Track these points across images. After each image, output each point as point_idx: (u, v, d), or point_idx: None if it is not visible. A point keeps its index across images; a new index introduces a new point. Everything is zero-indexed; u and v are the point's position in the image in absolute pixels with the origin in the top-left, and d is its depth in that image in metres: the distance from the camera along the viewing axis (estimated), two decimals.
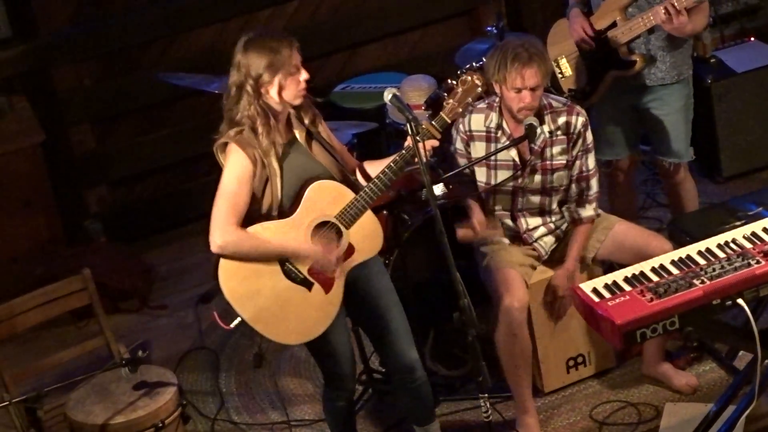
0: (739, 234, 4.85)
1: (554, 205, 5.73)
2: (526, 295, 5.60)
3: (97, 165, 7.65)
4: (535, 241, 5.75)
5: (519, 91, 5.46)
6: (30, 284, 6.27)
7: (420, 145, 4.95)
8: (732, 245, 4.79)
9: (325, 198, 4.97)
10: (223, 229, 4.89)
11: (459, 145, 5.69)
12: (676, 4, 5.76)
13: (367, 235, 5.04)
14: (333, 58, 7.95)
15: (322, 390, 5.47)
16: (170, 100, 7.67)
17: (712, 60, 7.35)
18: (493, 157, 5.63)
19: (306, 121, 5.04)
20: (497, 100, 5.63)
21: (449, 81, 6.20)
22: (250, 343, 6.62)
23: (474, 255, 5.80)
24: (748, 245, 4.78)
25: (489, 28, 7.08)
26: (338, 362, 5.21)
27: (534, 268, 5.77)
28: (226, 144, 4.96)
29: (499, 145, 5.60)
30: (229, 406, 6.28)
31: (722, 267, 4.65)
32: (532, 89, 5.46)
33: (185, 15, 7.63)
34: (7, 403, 5.11)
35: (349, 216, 4.97)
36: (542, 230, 5.75)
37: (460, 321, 4.85)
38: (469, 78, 5.07)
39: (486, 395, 4.96)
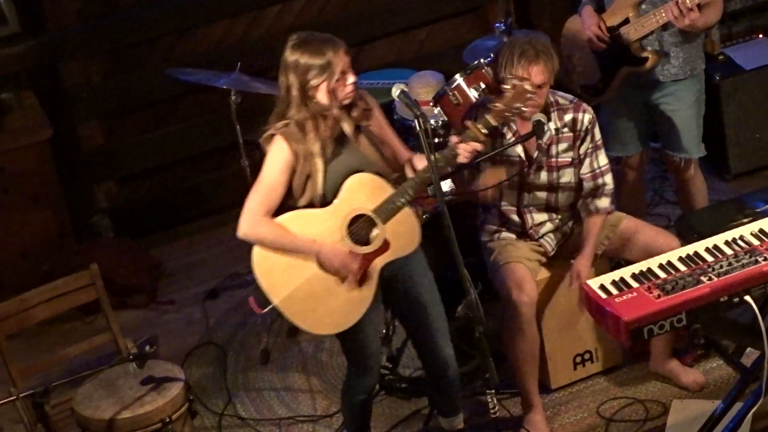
0: (746, 231, 4.85)
1: (560, 202, 5.72)
2: (535, 289, 5.60)
3: (105, 161, 7.66)
4: (542, 237, 5.75)
5: None
6: (38, 279, 6.28)
7: (464, 145, 4.99)
8: (740, 242, 4.79)
9: (364, 191, 4.98)
10: (251, 218, 4.97)
11: None
12: (688, 2, 5.75)
13: (403, 232, 5.03)
14: None
15: (344, 381, 5.49)
16: (178, 96, 7.67)
17: (721, 57, 7.34)
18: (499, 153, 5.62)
19: (354, 114, 5.02)
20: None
21: (457, 76, 6.23)
22: (257, 339, 6.63)
23: (481, 251, 5.80)
24: (755, 242, 4.77)
25: (497, 25, 7.08)
26: (367, 355, 5.22)
27: (541, 264, 5.77)
28: (272, 135, 5.00)
29: (505, 141, 5.60)
30: (237, 402, 6.28)
31: (730, 264, 4.65)
32: (539, 86, 5.45)
33: (193, 11, 7.63)
34: (15, 397, 5.11)
35: (387, 211, 4.97)
36: (549, 226, 5.75)
37: (464, 315, 4.85)
38: (520, 83, 5.07)
39: (493, 391, 4.96)
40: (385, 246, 5.03)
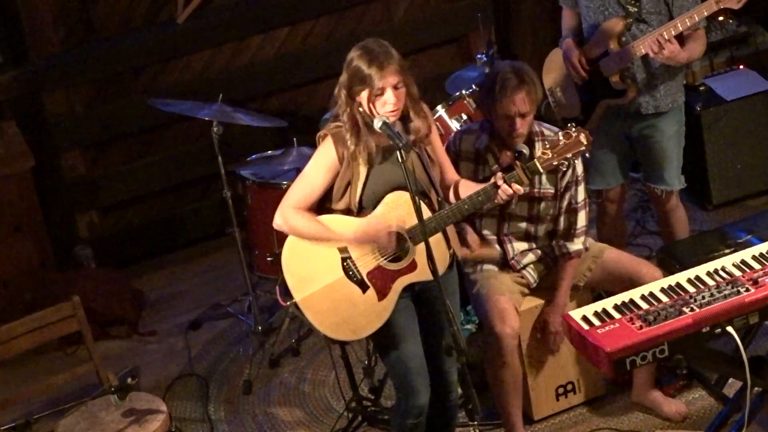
0: (728, 262, 4.85)
1: (540, 233, 5.72)
2: (518, 321, 5.59)
3: (88, 190, 7.64)
4: (524, 267, 5.75)
5: (509, 116, 5.47)
6: (19, 310, 6.27)
7: (506, 187, 5.00)
8: (721, 273, 4.79)
9: (402, 209, 5.00)
10: (287, 211, 5.03)
11: None
12: (665, 33, 5.77)
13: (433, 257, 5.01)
14: (324, 84, 7.94)
15: (393, 405, 5.43)
16: (161, 126, 7.67)
17: (702, 88, 7.37)
18: (481, 181, 5.62)
19: (410, 136, 5.04)
20: (489, 123, 5.63)
21: (439, 107, 6.22)
22: (240, 370, 6.62)
23: (464, 283, 5.80)
24: (737, 273, 4.78)
25: (479, 56, 7.10)
26: (409, 372, 5.16)
27: (524, 295, 5.77)
28: (325, 135, 5.05)
29: (487, 168, 5.60)
30: None
31: (712, 295, 4.65)
32: (522, 115, 5.46)
33: (177, 41, 7.64)
34: None
35: (421, 234, 4.94)
36: (530, 256, 5.75)
37: (450, 349, 4.85)
38: (575, 134, 5.07)
39: (476, 423, 4.95)
40: (412, 266, 5.06)
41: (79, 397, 5.52)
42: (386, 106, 4.93)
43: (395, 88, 4.94)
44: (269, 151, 6.95)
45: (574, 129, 5.12)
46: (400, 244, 5.04)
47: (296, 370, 6.60)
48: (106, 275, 7.41)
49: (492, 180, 5.05)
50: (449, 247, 5.14)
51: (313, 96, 7.98)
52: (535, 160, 5.06)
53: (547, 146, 5.09)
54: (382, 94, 4.92)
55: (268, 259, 6.46)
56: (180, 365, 6.82)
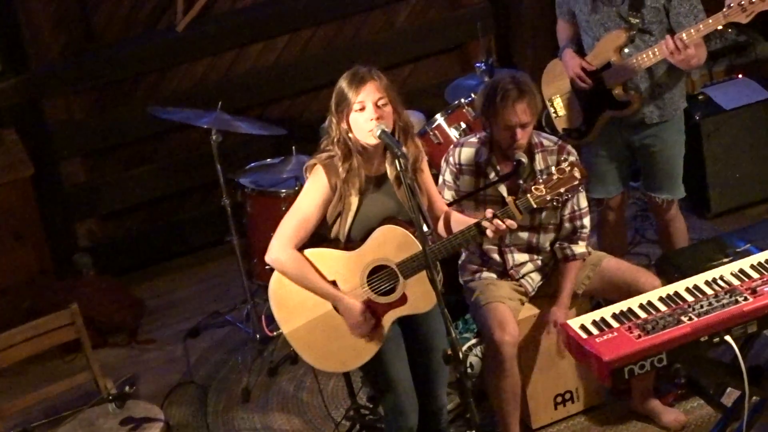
0: (727, 271, 4.86)
1: (542, 243, 5.72)
2: (517, 329, 5.58)
3: (87, 198, 7.65)
4: (522, 277, 5.75)
5: (510, 127, 5.47)
6: (18, 317, 6.26)
7: (498, 222, 4.92)
8: (720, 282, 4.80)
9: (393, 242, 4.96)
10: (281, 248, 4.98)
11: (448, 177, 5.68)
12: (685, 37, 5.74)
13: (422, 291, 4.98)
14: (324, 92, 7.93)
15: (384, 426, 5.40)
16: (160, 134, 7.68)
17: (701, 97, 7.37)
18: (482, 192, 5.63)
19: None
20: (487, 135, 5.63)
21: (438, 115, 6.22)
22: (238, 377, 6.62)
23: (463, 291, 5.80)
24: (735, 282, 4.78)
25: (478, 64, 7.09)
26: (397, 393, 5.14)
27: (522, 303, 5.76)
28: (314, 164, 4.99)
29: (488, 180, 5.61)
30: None
31: (710, 304, 4.65)
32: (523, 126, 5.46)
33: (176, 49, 7.65)
34: None
35: (410, 268, 4.95)
36: (529, 266, 5.75)
37: (448, 357, 4.84)
38: (569, 168, 5.04)
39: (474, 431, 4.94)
40: (402, 300, 5.02)
41: (78, 405, 5.51)
42: (369, 122, 4.86)
43: (377, 105, 4.88)
44: (268, 159, 6.94)
45: (568, 165, 5.08)
46: (389, 279, 5.01)
47: (294, 378, 6.60)
48: (105, 283, 7.41)
49: (484, 215, 5.00)
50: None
51: (313, 104, 7.99)
52: (528, 196, 5.01)
53: (541, 182, 5.06)
54: (363, 109, 4.88)
55: (267, 267, 6.45)
56: (179, 373, 6.81)
